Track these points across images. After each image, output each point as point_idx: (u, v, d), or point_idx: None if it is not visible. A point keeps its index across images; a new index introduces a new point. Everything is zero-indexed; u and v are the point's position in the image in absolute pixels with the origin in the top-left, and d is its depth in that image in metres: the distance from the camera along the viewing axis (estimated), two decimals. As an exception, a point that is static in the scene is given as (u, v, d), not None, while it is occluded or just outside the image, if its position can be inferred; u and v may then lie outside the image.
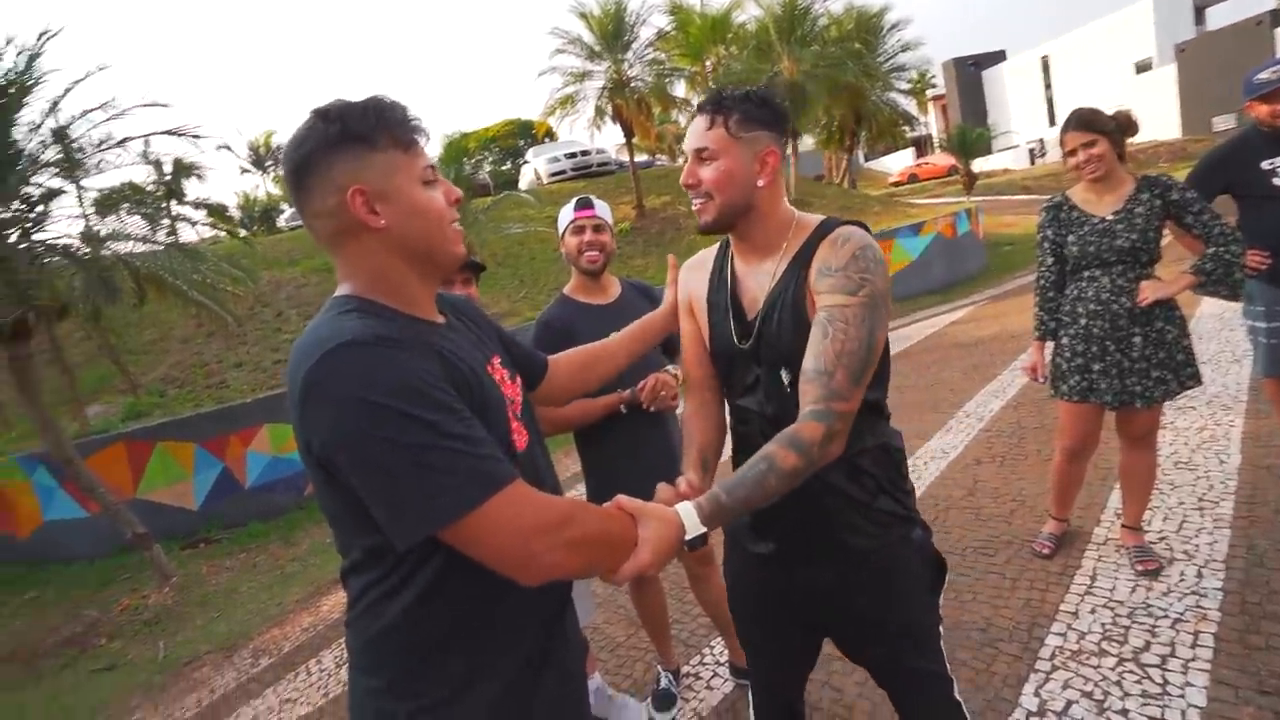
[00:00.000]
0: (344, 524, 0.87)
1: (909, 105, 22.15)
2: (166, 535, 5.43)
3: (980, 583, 2.62)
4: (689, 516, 0.93)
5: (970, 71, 35.79)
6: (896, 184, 30.11)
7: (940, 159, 29.23)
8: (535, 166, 16.88)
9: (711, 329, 1.26)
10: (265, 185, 36.64)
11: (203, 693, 3.31)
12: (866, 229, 1.15)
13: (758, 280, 1.19)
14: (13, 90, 4.43)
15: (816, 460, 1.00)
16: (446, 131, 8.98)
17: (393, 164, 0.86)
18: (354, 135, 0.84)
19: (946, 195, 21.68)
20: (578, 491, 4.49)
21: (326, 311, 0.87)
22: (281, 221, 16.62)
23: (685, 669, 2.49)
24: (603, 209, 2.15)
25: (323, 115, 0.85)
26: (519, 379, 1.07)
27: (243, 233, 11.96)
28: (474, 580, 0.83)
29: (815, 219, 1.18)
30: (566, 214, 2.15)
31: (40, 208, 4.58)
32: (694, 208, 1.18)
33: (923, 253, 10.36)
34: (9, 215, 4.46)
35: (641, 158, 18.61)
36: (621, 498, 0.93)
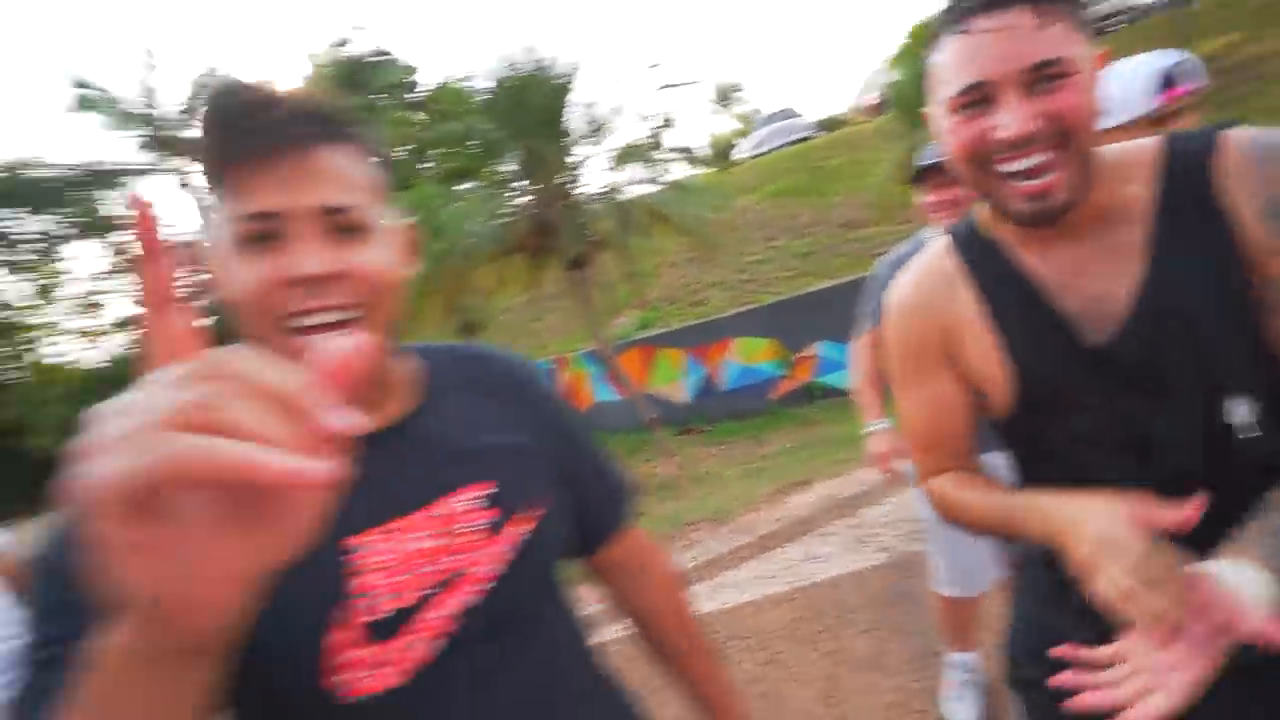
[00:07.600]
0: None
1: None
2: (665, 422, 7.00)
3: None
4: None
5: None
6: None
7: None
8: None
9: (1024, 355, 0.74)
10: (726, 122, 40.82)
11: (697, 551, 4.03)
12: None
13: (1095, 271, 0.68)
14: (560, 84, 5.90)
15: None
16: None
17: (215, 198, 0.52)
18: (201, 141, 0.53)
19: None
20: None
21: None
22: (736, 153, 18.28)
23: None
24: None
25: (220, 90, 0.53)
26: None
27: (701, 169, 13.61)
28: None
29: (1148, 146, 0.68)
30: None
31: (581, 168, 6.12)
32: (1023, 185, 0.64)
33: None
34: (568, 178, 6.09)
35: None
36: None
